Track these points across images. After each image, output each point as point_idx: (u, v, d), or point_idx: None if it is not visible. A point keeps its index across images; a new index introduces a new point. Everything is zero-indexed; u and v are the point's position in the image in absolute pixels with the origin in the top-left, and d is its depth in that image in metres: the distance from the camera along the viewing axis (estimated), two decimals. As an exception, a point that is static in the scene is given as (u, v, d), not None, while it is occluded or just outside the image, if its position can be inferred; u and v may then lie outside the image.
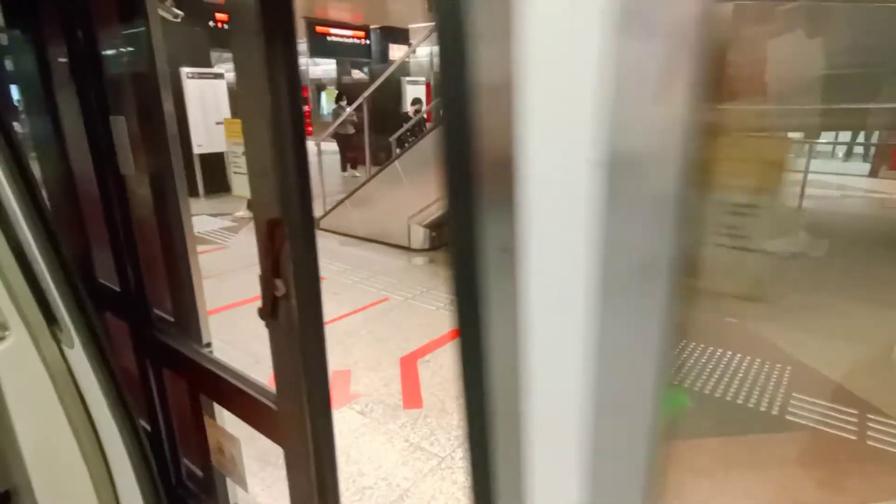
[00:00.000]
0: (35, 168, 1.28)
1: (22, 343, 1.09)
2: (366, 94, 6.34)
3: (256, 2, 0.87)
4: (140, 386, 1.67)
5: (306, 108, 13.15)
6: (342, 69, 14.15)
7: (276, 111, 0.93)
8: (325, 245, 6.06)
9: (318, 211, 6.54)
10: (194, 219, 1.52)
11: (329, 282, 4.62)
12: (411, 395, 2.92)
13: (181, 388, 1.53)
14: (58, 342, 1.14)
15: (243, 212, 6.97)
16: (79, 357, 1.16)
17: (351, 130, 10.07)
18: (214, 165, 8.02)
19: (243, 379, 1.28)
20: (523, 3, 0.32)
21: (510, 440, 0.43)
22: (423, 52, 12.07)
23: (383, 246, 5.87)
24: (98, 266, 1.72)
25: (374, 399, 2.90)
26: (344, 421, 2.67)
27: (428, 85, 11.58)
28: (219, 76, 7.98)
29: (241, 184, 5.76)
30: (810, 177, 6.87)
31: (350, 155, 10.67)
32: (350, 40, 12.63)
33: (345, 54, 13.13)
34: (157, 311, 1.59)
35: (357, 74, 13.90)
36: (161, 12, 1.31)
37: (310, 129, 13.60)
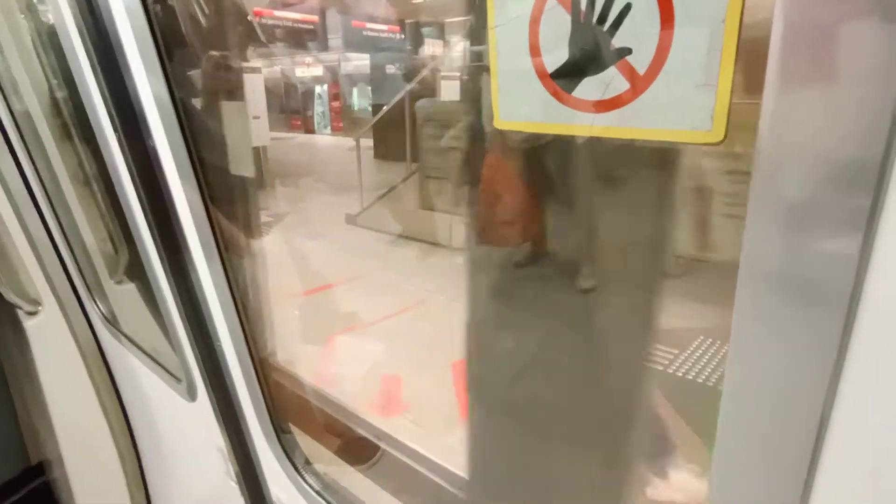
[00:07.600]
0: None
1: (54, 317, 1.12)
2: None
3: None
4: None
5: (337, 104, 13.24)
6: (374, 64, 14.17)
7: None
8: (362, 241, 6.05)
9: (355, 207, 6.50)
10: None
11: (365, 280, 4.59)
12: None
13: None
14: (88, 318, 1.18)
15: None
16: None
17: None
18: (250, 159, 8.16)
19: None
20: None
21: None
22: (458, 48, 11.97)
23: (421, 243, 5.80)
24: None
25: (428, 408, 2.64)
26: (398, 432, 2.42)
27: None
28: (256, 70, 8.09)
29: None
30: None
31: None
32: (385, 35, 12.64)
33: (379, 49, 13.15)
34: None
35: (390, 70, 13.88)
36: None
37: (340, 125, 13.68)
